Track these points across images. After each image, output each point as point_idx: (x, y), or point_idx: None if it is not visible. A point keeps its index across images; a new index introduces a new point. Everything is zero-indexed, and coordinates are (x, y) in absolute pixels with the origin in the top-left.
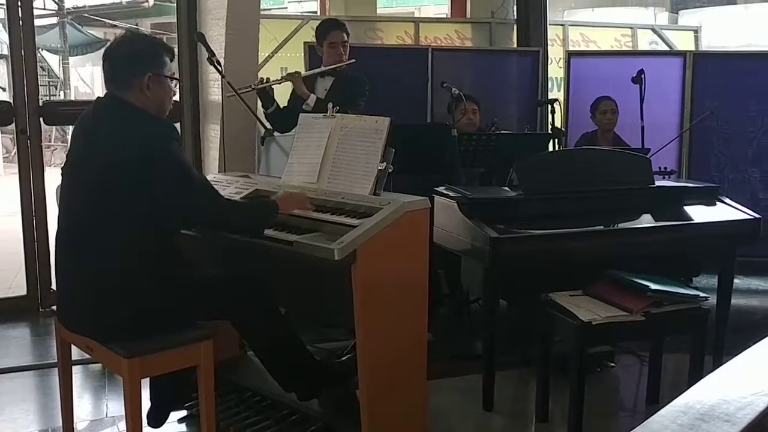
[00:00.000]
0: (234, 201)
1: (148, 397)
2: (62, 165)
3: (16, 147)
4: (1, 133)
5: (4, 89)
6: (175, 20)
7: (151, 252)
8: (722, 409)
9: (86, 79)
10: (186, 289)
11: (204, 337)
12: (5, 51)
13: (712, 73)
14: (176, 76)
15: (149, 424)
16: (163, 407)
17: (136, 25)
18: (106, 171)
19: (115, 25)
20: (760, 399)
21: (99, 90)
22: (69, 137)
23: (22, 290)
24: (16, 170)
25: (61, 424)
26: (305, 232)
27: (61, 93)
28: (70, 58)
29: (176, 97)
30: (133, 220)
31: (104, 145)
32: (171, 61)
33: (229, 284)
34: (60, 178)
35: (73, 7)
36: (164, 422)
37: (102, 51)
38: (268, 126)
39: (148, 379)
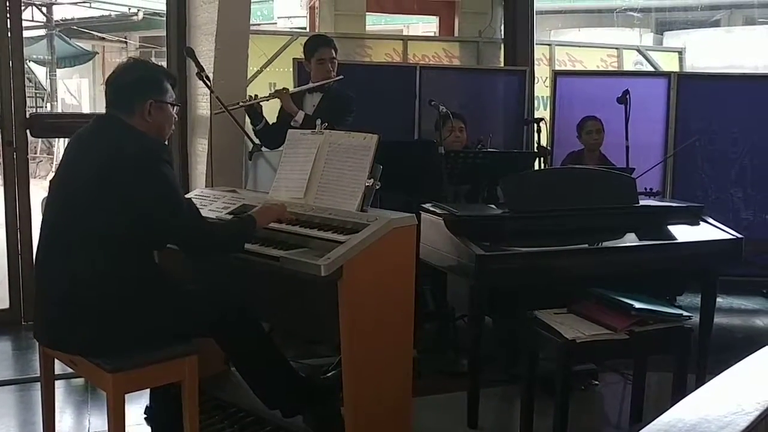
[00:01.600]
0: (215, 223)
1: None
2: (51, 178)
3: (1, 159)
4: None
5: None
6: (164, 34)
7: (134, 268)
8: (703, 428)
9: (73, 91)
10: (167, 306)
11: (188, 353)
12: None
13: (696, 93)
14: (177, 102)
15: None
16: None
17: (125, 38)
18: (97, 189)
19: (103, 38)
20: (740, 418)
21: (86, 102)
22: (55, 149)
23: (4, 303)
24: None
25: None
26: (292, 247)
27: (48, 105)
28: (57, 70)
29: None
30: (116, 237)
31: (95, 162)
32: (173, 88)
33: (213, 301)
34: (47, 190)
35: (62, 19)
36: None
37: (90, 64)
38: (257, 141)
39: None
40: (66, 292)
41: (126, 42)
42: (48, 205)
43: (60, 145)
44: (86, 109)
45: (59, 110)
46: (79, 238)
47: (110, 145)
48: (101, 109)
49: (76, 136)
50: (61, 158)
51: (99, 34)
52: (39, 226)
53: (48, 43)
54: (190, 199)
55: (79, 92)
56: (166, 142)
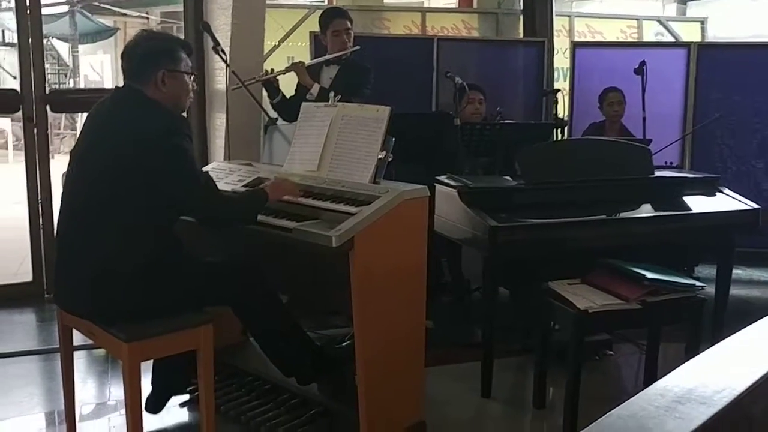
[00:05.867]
0: (229, 195)
1: (150, 382)
2: (71, 150)
3: (22, 134)
4: (11, 121)
5: (15, 77)
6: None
7: (152, 239)
8: (699, 392)
9: (96, 68)
10: (186, 276)
11: (204, 322)
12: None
13: (716, 64)
14: (193, 71)
15: (147, 409)
16: (163, 394)
17: (146, 13)
18: (115, 160)
19: (125, 14)
20: (737, 382)
21: (109, 78)
22: (78, 125)
23: (27, 277)
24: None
25: (51, 410)
26: (305, 219)
27: (71, 81)
28: (80, 46)
29: None
30: (136, 209)
31: (116, 135)
32: (188, 56)
33: (228, 271)
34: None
35: None
36: (162, 409)
37: (112, 39)
38: (273, 115)
39: (150, 366)
40: (85, 263)
41: (147, 17)
42: (68, 176)
43: (83, 120)
44: (108, 85)
45: (82, 86)
46: (97, 209)
47: (128, 117)
48: None
49: (95, 108)
50: (80, 130)
51: (120, 10)
52: (60, 197)
53: (70, 19)
54: (206, 172)
55: (101, 68)
56: (185, 114)
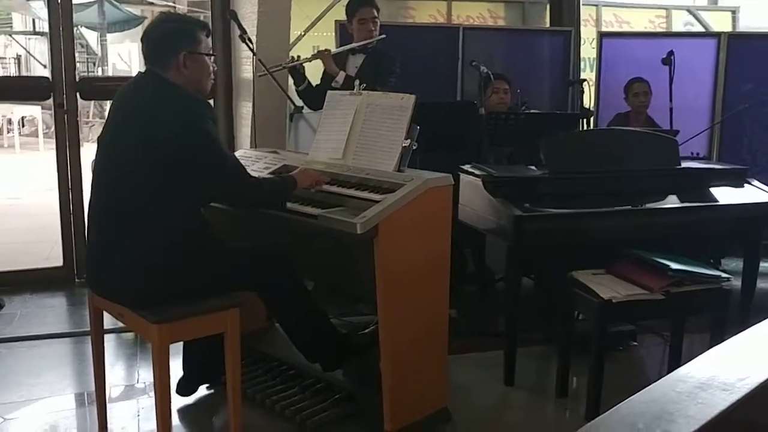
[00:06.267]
0: (258, 179)
1: (181, 367)
2: (98, 137)
3: (53, 122)
4: (42, 109)
5: (45, 66)
6: None
7: (182, 224)
8: (722, 379)
9: (124, 56)
10: (215, 261)
11: (231, 305)
12: (46, 29)
13: (746, 54)
14: (212, 52)
15: (178, 392)
16: (194, 379)
17: (174, 2)
18: (143, 146)
19: (152, 3)
20: (761, 369)
21: (137, 66)
22: (106, 113)
23: (58, 262)
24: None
25: (82, 391)
26: (330, 206)
27: (99, 70)
28: (108, 35)
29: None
30: (166, 195)
31: (142, 121)
32: (207, 38)
33: (255, 256)
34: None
35: None
36: (192, 393)
37: (139, 28)
38: (298, 103)
39: (179, 348)
40: (117, 248)
41: (174, 6)
42: (97, 163)
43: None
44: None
45: (110, 74)
46: (128, 195)
47: (153, 104)
48: None
49: (118, 95)
50: (107, 116)
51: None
52: (90, 183)
53: (99, 8)
54: (234, 155)
55: (129, 57)
56: (210, 99)
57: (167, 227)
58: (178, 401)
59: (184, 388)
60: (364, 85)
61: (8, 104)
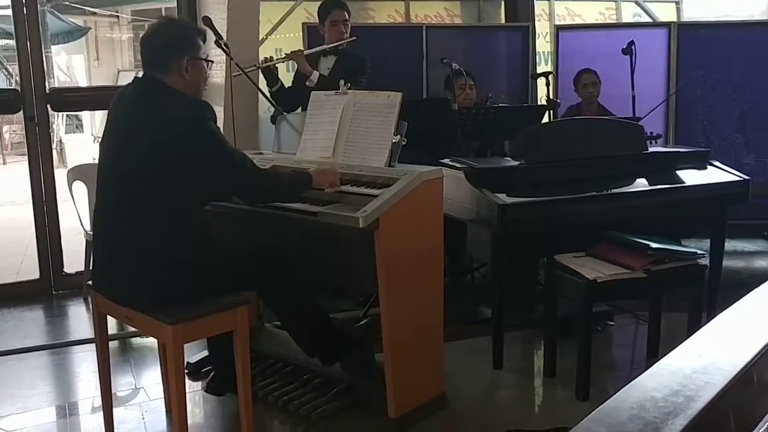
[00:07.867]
0: (271, 173)
1: (211, 368)
2: (100, 143)
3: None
4: (3, 123)
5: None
6: (156, 7)
7: (195, 226)
8: (709, 364)
9: (66, 68)
10: (219, 264)
11: (240, 303)
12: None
13: (695, 42)
14: (210, 58)
15: (209, 391)
16: (223, 382)
17: (116, 12)
18: (149, 150)
19: (95, 13)
20: (746, 351)
21: (80, 79)
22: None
23: (30, 275)
24: (16, 159)
25: (77, 399)
26: (327, 203)
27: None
28: (52, 46)
29: None
30: (175, 197)
31: (146, 125)
32: (204, 43)
33: (261, 257)
34: (98, 151)
35: None
36: (223, 393)
37: (82, 40)
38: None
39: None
40: (129, 252)
41: (118, 16)
42: (101, 167)
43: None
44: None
45: (55, 86)
46: (138, 199)
47: (157, 108)
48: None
49: (117, 100)
50: (106, 120)
51: (91, 9)
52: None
53: (41, 20)
54: (243, 152)
55: (69, 69)
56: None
57: (182, 229)
58: (188, 398)
59: (214, 389)
60: (349, 84)
61: None
